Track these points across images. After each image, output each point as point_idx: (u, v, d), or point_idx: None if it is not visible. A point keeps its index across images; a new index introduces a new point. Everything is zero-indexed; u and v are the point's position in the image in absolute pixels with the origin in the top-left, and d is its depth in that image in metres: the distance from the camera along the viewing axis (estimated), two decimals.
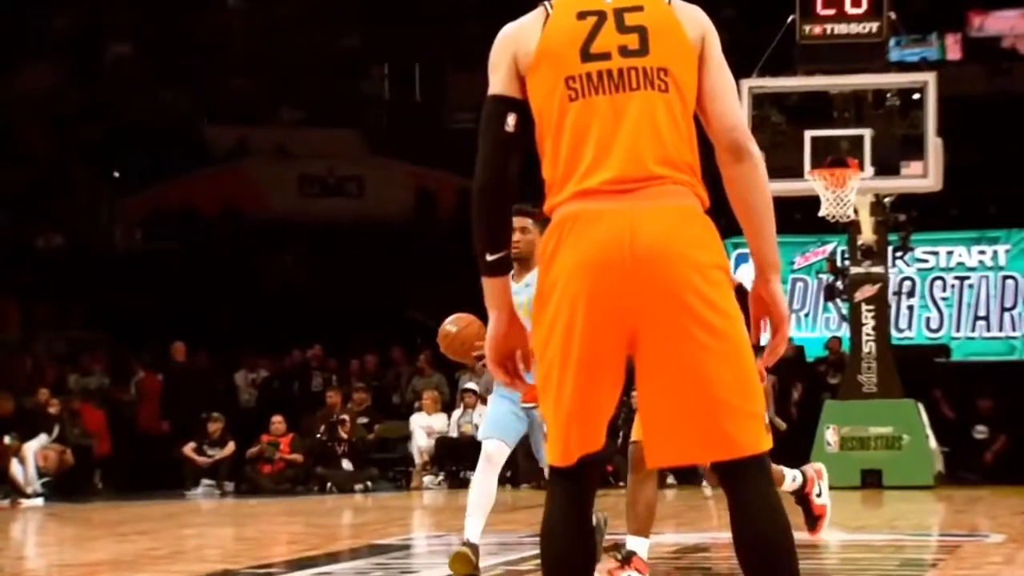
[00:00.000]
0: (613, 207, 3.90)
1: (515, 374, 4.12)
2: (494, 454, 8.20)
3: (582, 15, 3.99)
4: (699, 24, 4.06)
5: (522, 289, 7.97)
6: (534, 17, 4.05)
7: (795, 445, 19.17)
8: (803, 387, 21.19)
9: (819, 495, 7.73)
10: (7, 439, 19.01)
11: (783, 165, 17.99)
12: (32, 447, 19.21)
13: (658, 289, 3.87)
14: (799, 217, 21.18)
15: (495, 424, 8.27)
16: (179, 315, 24.06)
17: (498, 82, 4.04)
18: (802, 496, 7.81)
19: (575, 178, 3.95)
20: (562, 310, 3.92)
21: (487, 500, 8.21)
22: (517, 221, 8.19)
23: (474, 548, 8.19)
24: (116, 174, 30.24)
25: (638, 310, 3.89)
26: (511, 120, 4.00)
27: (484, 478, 8.20)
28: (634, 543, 7.49)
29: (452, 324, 8.05)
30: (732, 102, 4.07)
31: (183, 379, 22.46)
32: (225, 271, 26.43)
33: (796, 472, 7.79)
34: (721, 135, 4.03)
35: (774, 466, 7.79)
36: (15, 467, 18.88)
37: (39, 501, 18.61)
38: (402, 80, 32.09)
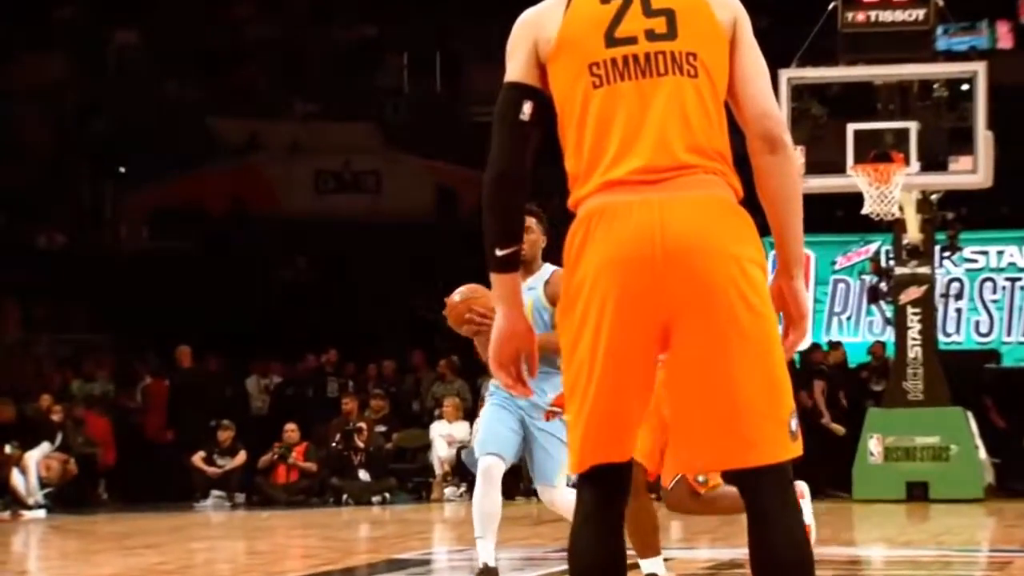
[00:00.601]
0: (642, 199, 3.90)
1: (518, 378, 4.12)
2: (491, 469, 8.20)
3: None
4: (730, 7, 4.06)
5: (525, 292, 7.96)
6: (555, 2, 4.05)
7: (837, 455, 19.19)
8: (845, 394, 21.15)
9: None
10: (8, 448, 19.09)
11: (824, 160, 17.97)
12: (34, 456, 19.28)
13: (692, 285, 3.87)
14: (841, 215, 21.14)
15: (490, 439, 8.25)
16: (187, 318, 24.12)
17: (515, 69, 4.04)
18: None
19: (600, 169, 3.95)
20: (591, 310, 3.92)
21: (494, 518, 8.23)
22: None
23: (494, 572, 8.23)
24: (121, 170, 30.33)
25: (671, 308, 3.88)
26: (527, 108, 4.00)
27: (486, 496, 8.21)
28: (650, 564, 7.48)
29: (459, 294, 8.09)
30: (765, 88, 4.06)
31: (189, 385, 22.47)
32: (236, 271, 26.49)
33: None
34: (753, 122, 4.03)
35: None
36: (16, 477, 18.95)
37: (41, 513, 18.68)
38: (421, 71, 32.11)
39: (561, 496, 8.12)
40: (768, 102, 4.04)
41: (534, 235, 8.25)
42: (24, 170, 28.12)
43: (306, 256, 28.19)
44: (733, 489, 7.57)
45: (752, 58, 4.05)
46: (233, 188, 29.40)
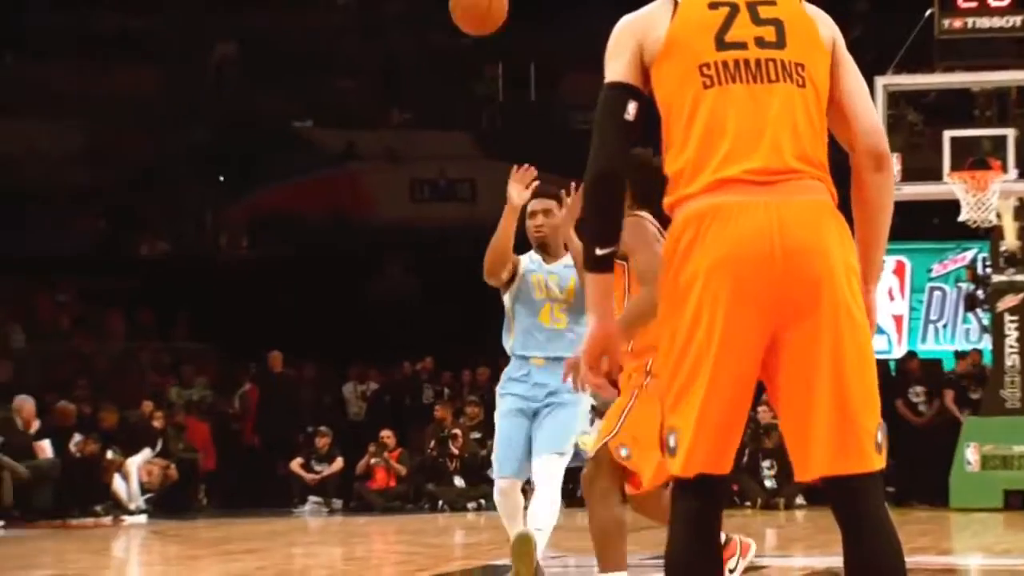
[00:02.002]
0: (756, 200, 3.93)
1: (607, 377, 4.12)
2: (508, 490, 8.19)
3: (714, 5, 4.05)
4: (829, 25, 4.15)
5: (562, 269, 7.98)
6: (660, 6, 4.09)
7: (934, 464, 19.01)
8: (942, 403, 20.92)
9: (732, 571, 7.28)
10: (109, 453, 19.29)
11: (920, 167, 17.85)
12: (135, 462, 19.49)
13: (808, 288, 3.90)
14: (937, 222, 20.95)
15: (507, 460, 8.16)
16: (286, 325, 24.29)
17: (619, 69, 4.06)
18: None
19: (711, 167, 3.97)
20: (704, 308, 3.91)
21: (518, 510, 8.25)
22: (540, 203, 8.16)
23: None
24: (221, 179, 30.59)
25: (785, 310, 3.91)
26: (632, 108, 4.02)
27: (504, 506, 8.20)
28: None
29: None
30: (870, 105, 4.16)
31: (280, 390, 22.56)
32: (334, 279, 26.65)
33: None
34: (863, 138, 4.10)
35: None
36: (117, 482, 19.15)
37: (142, 518, 18.87)
38: (516, 80, 32.16)
39: (562, 469, 8.05)
40: (875, 119, 4.14)
41: (555, 218, 8.19)
42: (128, 179, 28.44)
43: (402, 264, 28.29)
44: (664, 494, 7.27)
45: (855, 75, 4.14)
46: (330, 196, 29.58)
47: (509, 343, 8.36)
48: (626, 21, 4.12)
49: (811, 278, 3.90)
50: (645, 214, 6.83)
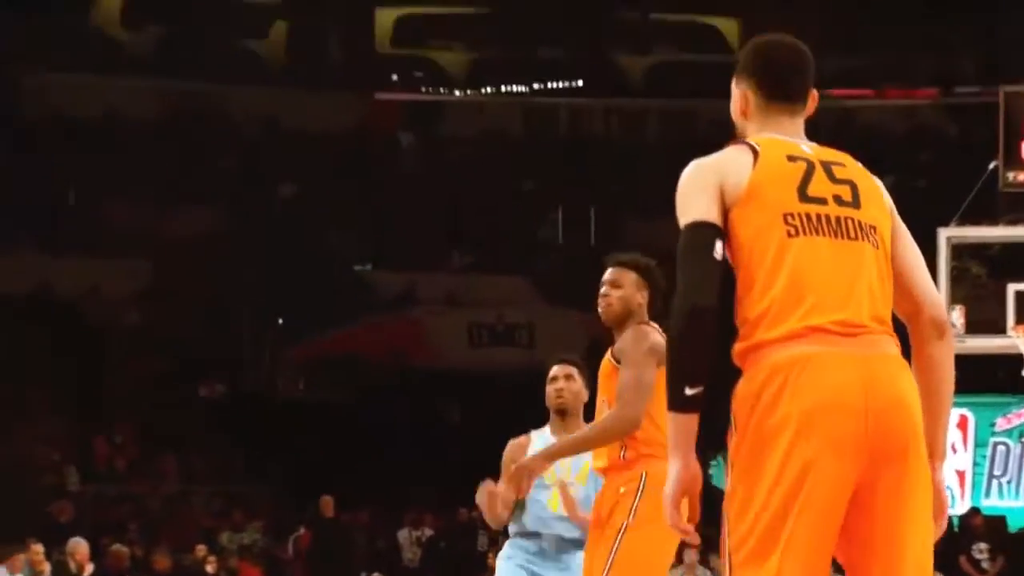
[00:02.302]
0: (845, 351, 3.95)
1: (685, 518, 4.04)
2: None
3: (792, 159, 4.10)
4: (888, 197, 4.24)
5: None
6: (738, 151, 4.12)
7: None
8: (1006, 561, 20.58)
9: None
10: None
11: (984, 319, 17.73)
12: None
13: (898, 443, 3.92)
14: (1001, 376, 20.77)
15: None
16: (341, 468, 24.22)
17: (702, 209, 4.04)
18: None
19: (797, 315, 3.97)
20: (793, 456, 3.89)
21: None
22: (561, 369, 7.95)
23: None
24: (280, 320, 30.72)
25: (871, 461, 3.91)
26: (719, 247, 4.02)
27: None
28: None
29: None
30: (928, 276, 4.22)
31: (333, 535, 22.38)
32: (391, 423, 26.61)
33: None
34: (927, 308, 4.17)
35: None
36: None
37: None
38: (577, 225, 32.30)
39: None
40: (935, 290, 4.21)
41: (577, 385, 7.97)
42: (185, 320, 28.59)
43: (461, 408, 28.25)
44: None
45: (911, 245, 4.21)
46: (389, 340, 29.64)
47: (515, 527, 8.04)
48: (703, 163, 4.12)
49: (900, 434, 3.93)
50: (656, 327, 6.76)
